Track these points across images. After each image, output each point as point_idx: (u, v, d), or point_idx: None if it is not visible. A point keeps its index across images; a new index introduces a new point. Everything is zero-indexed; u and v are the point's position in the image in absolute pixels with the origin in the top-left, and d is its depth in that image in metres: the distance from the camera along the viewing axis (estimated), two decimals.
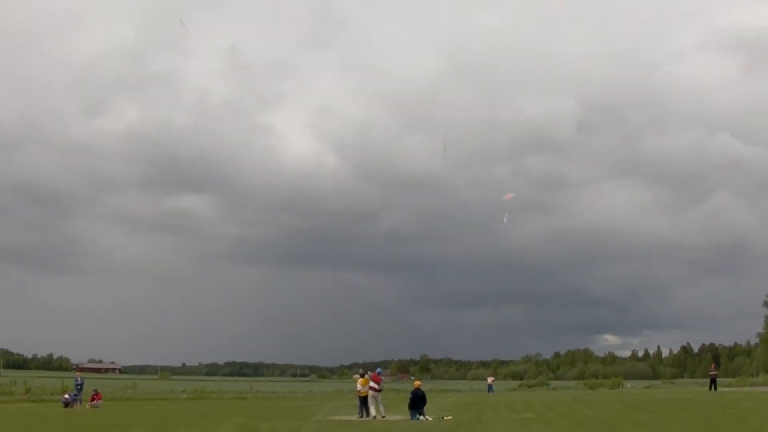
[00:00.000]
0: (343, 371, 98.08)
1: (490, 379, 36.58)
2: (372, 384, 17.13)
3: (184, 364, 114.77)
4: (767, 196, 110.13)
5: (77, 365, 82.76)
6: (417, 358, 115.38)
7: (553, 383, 52.61)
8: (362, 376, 17.24)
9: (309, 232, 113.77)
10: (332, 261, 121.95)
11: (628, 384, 43.68)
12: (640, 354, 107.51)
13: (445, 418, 15.59)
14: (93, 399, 21.52)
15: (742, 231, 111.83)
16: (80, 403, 21.26)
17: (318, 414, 16.70)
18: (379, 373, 17.59)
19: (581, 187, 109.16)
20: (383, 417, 16.41)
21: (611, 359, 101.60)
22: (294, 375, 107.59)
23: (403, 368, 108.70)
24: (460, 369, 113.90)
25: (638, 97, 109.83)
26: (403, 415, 15.88)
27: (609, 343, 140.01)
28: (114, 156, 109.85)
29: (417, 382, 17.01)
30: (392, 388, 32.02)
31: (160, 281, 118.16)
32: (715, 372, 32.62)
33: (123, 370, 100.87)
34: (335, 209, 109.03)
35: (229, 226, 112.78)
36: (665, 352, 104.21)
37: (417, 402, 16.07)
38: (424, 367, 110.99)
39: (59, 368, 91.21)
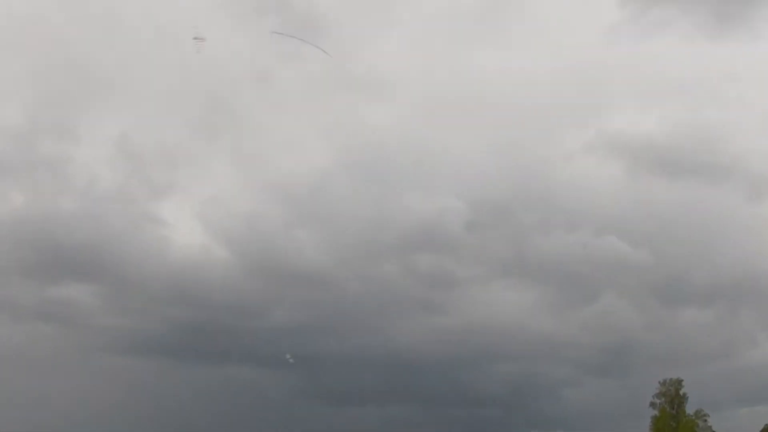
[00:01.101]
0: None
1: None
2: None
3: None
4: (652, 298, 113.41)
5: None
6: None
7: None
8: None
9: (196, 324, 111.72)
10: (219, 355, 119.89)
11: None
12: None
13: None
14: None
15: (628, 331, 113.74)
16: None
17: None
18: None
19: (469, 286, 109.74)
20: None
21: None
22: None
23: None
24: None
25: (527, 197, 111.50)
26: None
27: None
28: None
29: None
30: None
31: (41, 371, 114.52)
32: None
33: None
34: (223, 302, 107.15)
35: (114, 317, 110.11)
36: None
37: None
38: None
39: None
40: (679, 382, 68.96)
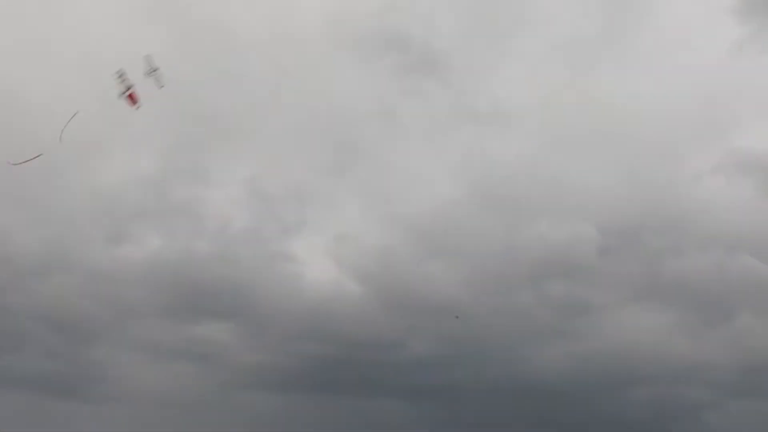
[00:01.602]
0: None
1: None
2: None
3: None
4: None
5: None
6: None
7: None
8: None
9: (332, 359, 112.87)
10: (354, 389, 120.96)
11: None
12: None
13: None
14: None
15: (766, 351, 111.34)
16: None
17: None
18: None
19: (603, 311, 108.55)
20: None
21: None
22: None
23: None
24: None
25: (657, 220, 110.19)
26: None
27: None
28: (136, 284, 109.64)
29: None
30: None
31: (183, 408, 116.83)
32: None
33: None
34: (357, 336, 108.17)
35: (251, 354, 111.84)
36: None
37: None
38: None
39: None
40: None
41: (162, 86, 59.65)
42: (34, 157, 59.38)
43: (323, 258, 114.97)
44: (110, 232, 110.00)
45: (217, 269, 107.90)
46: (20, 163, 60.93)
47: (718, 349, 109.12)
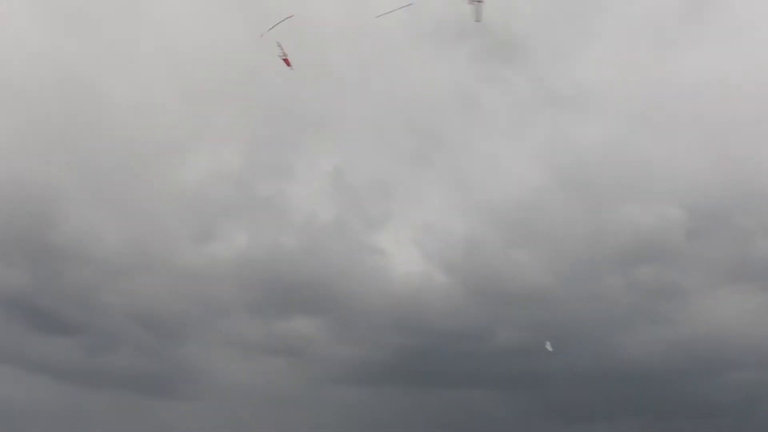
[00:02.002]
0: None
1: None
2: None
3: None
4: None
5: None
6: None
7: None
8: None
9: (421, 350, 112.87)
10: (443, 379, 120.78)
11: None
12: None
13: None
14: None
15: None
16: None
17: None
18: None
19: (694, 295, 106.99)
20: None
21: None
22: None
23: None
24: None
25: (746, 201, 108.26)
26: None
27: None
28: (225, 281, 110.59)
29: None
30: None
31: (273, 404, 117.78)
32: None
33: None
34: (446, 326, 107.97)
35: (340, 347, 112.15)
36: None
37: None
38: None
39: None
40: None
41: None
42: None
43: (409, 249, 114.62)
44: (197, 229, 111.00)
45: (303, 264, 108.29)
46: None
47: None
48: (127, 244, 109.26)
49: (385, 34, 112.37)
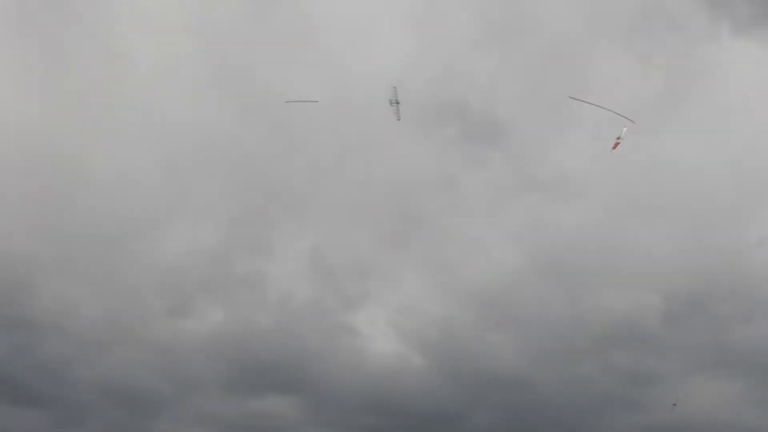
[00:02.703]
0: None
1: None
2: None
3: None
4: None
5: None
6: None
7: None
8: None
9: None
10: None
11: None
12: None
13: None
14: None
15: None
16: None
17: None
18: None
19: (670, 381, 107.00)
20: None
21: None
22: None
23: None
24: None
25: (722, 287, 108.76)
26: None
27: None
28: (199, 357, 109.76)
29: None
30: None
31: None
32: None
33: None
34: (420, 409, 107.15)
35: (315, 428, 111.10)
36: None
37: None
38: None
39: None
40: None
41: (399, 119, 66.69)
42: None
43: (386, 330, 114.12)
44: (173, 304, 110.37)
45: (279, 342, 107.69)
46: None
47: None
48: (103, 317, 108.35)
49: (366, 114, 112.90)
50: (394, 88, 66.04)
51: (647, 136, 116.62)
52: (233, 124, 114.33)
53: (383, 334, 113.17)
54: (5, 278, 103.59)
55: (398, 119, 64.49)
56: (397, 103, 64.01)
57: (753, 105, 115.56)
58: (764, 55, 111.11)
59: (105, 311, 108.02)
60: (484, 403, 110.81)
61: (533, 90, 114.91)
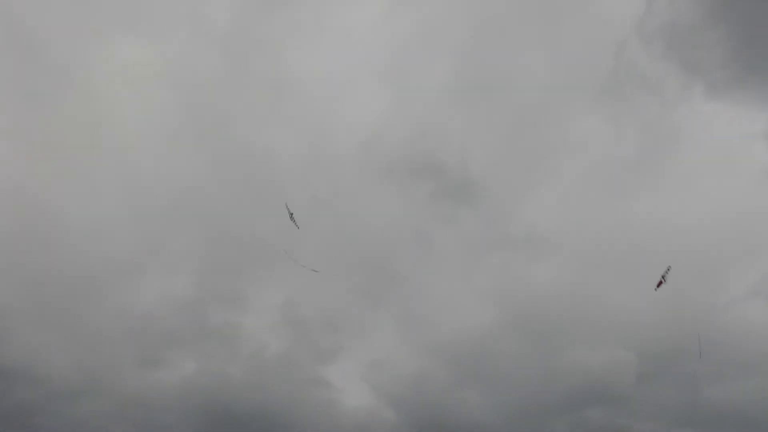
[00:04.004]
0: None
1: None
2: None
3: None
4: None
5: None
6: None
7: None
8: None
9: None
10: None
11: None
12: None
13: None
14: None
15: None
16: None
17: None
18: None
19: None
20: None
21: None
22: None
23: None
24: None
25: (696, 345, 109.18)
26: None
27: None
28: (169, 409, 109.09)
29: None
30: None
31: None
32: None
33: None
34: None
35: None
36: None
37: None
38: None
39: None
40: None
41: (298, 228, 71.75)
42: None
43: (358, 384, 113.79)
44: (144, 355, 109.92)
45: (251, 395, 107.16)
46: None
47: None
48: (73, 366, 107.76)
49: (340, 168, 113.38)
50: (286, 204, 74.61)
51: (620, 195, 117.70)
52: (208, 176, 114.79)
53: (356, 388, 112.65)
54: None
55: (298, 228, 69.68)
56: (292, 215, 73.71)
57: (725, 167, 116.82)
58: (736, 117, 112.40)
59: (76, 360, 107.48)
60: None
61: (506, 148, 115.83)
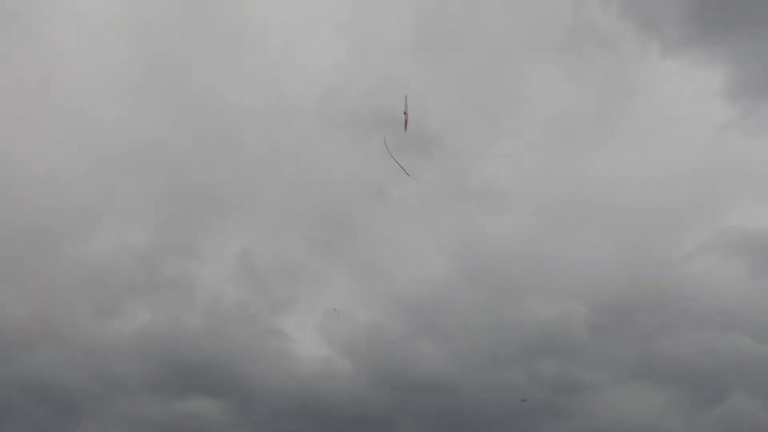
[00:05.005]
0: None
1: None
2: None
3: None
4: None
5: None
6: None
7: None
8: None
9: None
10: None
11: None
12: None
13: None
14: None
15: (762, 430, 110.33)
16: None
17: None
18: None
19: (595, 390, 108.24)
20: None
21: None
22: None
23: None
24: None
25: (648, 299, 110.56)
26: None
27: None
28: (125, 358, 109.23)
29: None
30: None
31: None
32: None
33: None
34: (346, 413, 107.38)
35: (240, 430, 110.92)
36: None
37: None
38: None
39: None
40: None
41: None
42: None
43: (313, 334, 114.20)
44: (100, 305, 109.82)
45: (206, 345, 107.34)
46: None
47: (711, 430, 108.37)
48: (29, 316, 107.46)
49: (298, 120, 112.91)
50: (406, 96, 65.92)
51: (577, 150, 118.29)
52: (165, 126, 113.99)
53: (311, 338, 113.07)
54: None
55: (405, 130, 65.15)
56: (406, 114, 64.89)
57: (681, 123, 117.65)
58: (693, 74, 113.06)
59: (31, 310, 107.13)
60: (411, 408, 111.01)
61: (465, 101, 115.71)
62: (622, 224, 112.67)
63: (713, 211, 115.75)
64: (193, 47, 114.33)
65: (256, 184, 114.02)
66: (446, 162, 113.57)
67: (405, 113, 68.00)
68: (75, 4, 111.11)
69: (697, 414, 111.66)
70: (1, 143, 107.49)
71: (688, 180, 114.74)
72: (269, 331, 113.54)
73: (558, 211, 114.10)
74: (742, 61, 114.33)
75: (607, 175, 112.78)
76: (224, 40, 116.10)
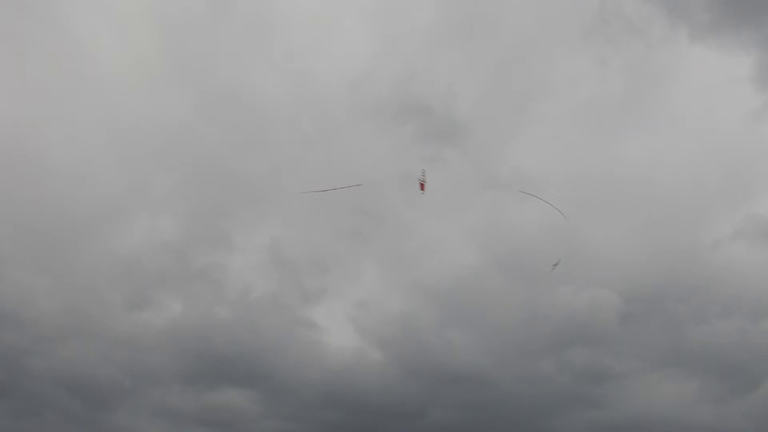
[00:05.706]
0: None
1: None
2: None
3: None
4: None
5: None
6: None
7: None
8: None
9: (352, 427, 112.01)
10: None
11: None
12: None
13: None
14: None
15: None
16: None
17: None
18: None
19: (626, 379, 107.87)
20: None
21: None
22: None
23: None
24: None
25: (679, 286, 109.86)
26: None
27: None
28: (157, 350, 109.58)
29: None
30: None
31: None
32: None
33: None
34: (377, 404, 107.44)
35: (271, 421, 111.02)
36: None
37: None
38: None
39: None
40: None
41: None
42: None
43: (344, 325, 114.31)
44: (131, 297, 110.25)
45: (237, 336, 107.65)
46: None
47: (742, 418, 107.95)
48: (60, 309, 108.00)
49: (327, 110, 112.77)
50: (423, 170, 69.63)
51: (606, 137, 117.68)
52: (193, 117, 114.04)
53: (341, 328, 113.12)
54: None
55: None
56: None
57: (709, 109, 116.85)
58: (720, 60, 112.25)
59: (62, 303, 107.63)
60: (442, 399, 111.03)
61: (493, 89, 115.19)
62: (650, 211, 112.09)
63: (742, 198, 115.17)
64: (222, 37, 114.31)
65: (285, 174, 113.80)
66: (474, 150, 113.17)
67: (421, 181, 72.11)
68: None
69: (728, 402, 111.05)
70: (31, 136, 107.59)
71: (717, 167, 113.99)
72: (300, 321, 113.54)
73: (587, 199, 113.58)
74: None
75: (636, 162, 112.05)
76: (252, 31, 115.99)
